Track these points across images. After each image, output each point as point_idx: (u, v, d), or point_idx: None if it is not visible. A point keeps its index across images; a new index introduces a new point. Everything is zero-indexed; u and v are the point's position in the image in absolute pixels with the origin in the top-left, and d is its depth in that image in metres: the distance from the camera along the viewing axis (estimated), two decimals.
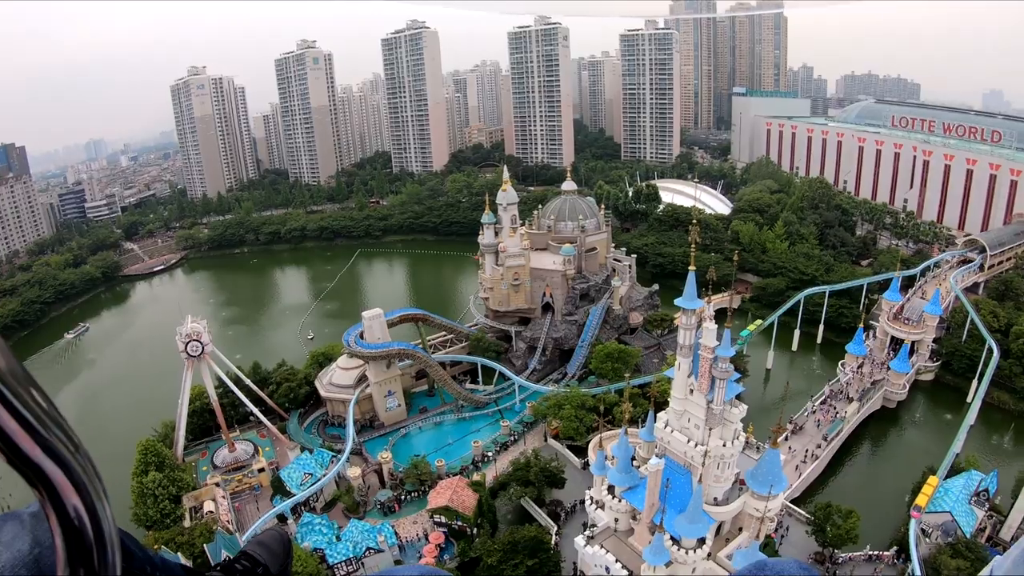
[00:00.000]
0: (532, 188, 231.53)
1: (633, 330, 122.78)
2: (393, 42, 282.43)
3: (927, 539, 74.68)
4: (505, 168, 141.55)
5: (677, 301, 61.63)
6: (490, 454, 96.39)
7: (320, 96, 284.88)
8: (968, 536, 73.81)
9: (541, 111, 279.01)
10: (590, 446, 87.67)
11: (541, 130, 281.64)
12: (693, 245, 62.45)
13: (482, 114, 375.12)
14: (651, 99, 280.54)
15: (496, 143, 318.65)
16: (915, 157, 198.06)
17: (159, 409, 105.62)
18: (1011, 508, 77.66)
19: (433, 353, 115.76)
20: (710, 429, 60.33)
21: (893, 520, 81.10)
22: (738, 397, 63.60)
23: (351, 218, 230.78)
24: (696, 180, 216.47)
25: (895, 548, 74.85)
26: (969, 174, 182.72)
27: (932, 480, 79.89)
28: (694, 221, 68.30)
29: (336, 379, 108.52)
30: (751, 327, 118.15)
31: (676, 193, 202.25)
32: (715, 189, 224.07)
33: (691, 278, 60.37)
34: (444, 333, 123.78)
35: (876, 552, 74.80)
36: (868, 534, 76.30)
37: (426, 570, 3.63)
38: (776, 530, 75.99)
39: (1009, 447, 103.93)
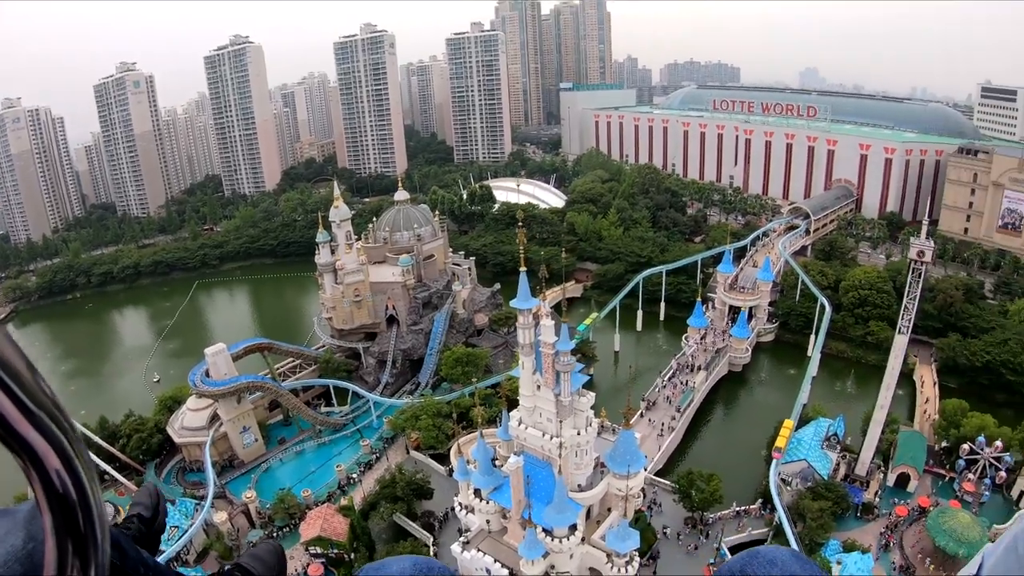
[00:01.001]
0: (367, 200, 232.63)
1: (480, 331, 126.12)
2: (216, 59, 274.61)
3: (788, 487, 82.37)
4: (336, 184, 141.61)
5: (512, 303, 64.36)
6: (355, 476, 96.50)
7: (143, 122, 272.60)
8: (826, 478, 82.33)
9: (371, 120, 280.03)
10: (451, 453, 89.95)
11: (372, 140, 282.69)
12: (522, 247, 65.46)
13: (312, 127, 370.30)
14: (480, 100, 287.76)
15: (328, 156, 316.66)
16: (737, 136, 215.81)
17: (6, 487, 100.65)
18: (861, 446, 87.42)
19: (283, 380, 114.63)
20: (561, 421, 63.00)
21: (755, 475, 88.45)
22: (588, 384, 68.44)
23: (185, 249, 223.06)
24: (520, 176, 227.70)
25: (760, 500, 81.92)
26: (789, 148, 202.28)
27: (787, 423, 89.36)
28: (520, 224, 72.42)
29: (187, 422, 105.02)
30: (588, 321, 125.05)
31: (510, 191, 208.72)
32: (548, 183, 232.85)
33: (523, 279, 62.93)
34: (292, 359, 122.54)
35: (743, 507, 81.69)
36: (734, 492, 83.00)
37: (417, 560, 3.88)
38: (648, 504, 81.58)
39: (852, 391, 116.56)
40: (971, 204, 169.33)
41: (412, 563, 3.78)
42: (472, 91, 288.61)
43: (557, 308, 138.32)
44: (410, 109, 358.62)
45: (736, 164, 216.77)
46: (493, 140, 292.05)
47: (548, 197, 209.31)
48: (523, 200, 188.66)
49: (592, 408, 65.99)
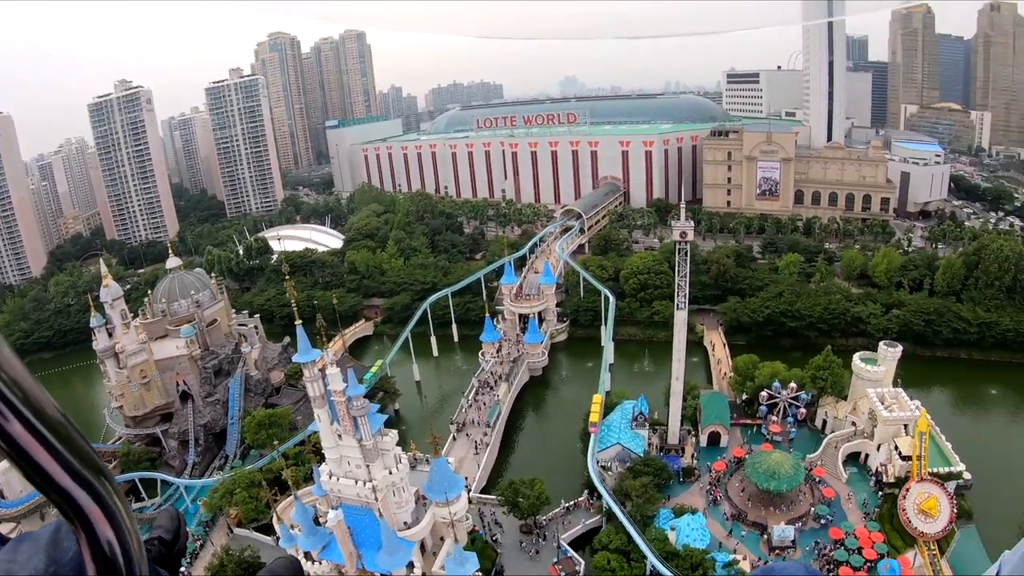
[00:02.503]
0: (142, 271, 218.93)
1: (278, 389, 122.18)
2: None
3: (609, 472, 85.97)
4: (102, 261, 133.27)
5: (295, 358, 64.31)
6: (183, 570, 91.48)
7: None
8: (642, 455, 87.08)
9: (136, 184, 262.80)
10: (273, 521, 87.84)
11: (139, 205, 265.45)
12: (293, 300, 65.94)
13: (75, 199, 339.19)
14: (247, 149, 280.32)
15: (96, 229, 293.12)
16: (504, 151, 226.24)
17: None
18: (667, 418, 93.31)
19: None
20: (369, 465, 63.44)
21: (576, 468, 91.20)
22: (393, 419, 68.54)
23: None
24: (296, 221, 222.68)
25: (586, 491, 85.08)
26: (554, 155, 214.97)
27: (596, 398, 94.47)
28: (286, 276, 73.57)
29: None
30: (373, 369, 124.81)
31: (288, 239, 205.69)
32: (325, 224, 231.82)
33: (300, 332, 62.91)
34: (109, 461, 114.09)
35: (572, 502, 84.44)
36: (561, 489, 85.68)
37: None
38: (490, 522, 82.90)
39: (650, 369, 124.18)
40: (730, 179, 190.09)
41: None
42: (237, 140, 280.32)
43: (354, 350, 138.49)
44: (176, 167, 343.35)
45: (506, 178, 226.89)
46: (264, 188, 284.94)
47: (326, 239, 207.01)
48: (300, 246, 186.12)
49: (400, 443, 66.90)
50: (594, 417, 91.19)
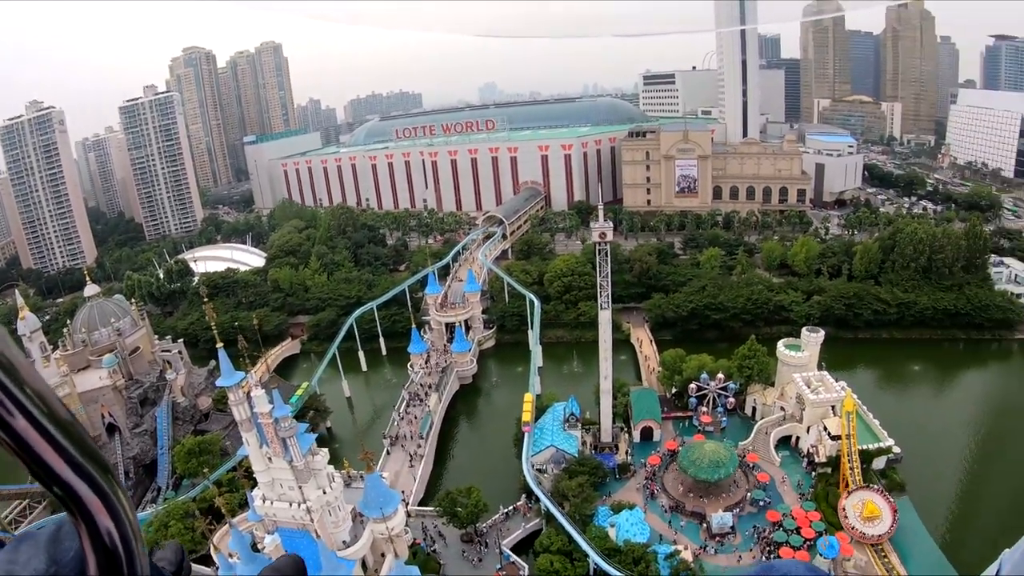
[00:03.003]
0: (60, 300, 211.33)
1: (207, 415, 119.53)
2: None
3: (546, 475, 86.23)
4: (18, 292, 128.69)
5: (218, 382, 63.40)
6: None
7: None
8: (576, 455, 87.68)
9: (50, 210, 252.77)
10: (211, 551, 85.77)
11: (55, 231, 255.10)
12: (213, 323, 65.17)
13: None
14: (163, 168, 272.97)
15: (10, 258, 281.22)
16: (423, 160, 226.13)
17: None
18: (599, 416, 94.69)
19: (15, 529, 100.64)
20: (302, 486, 62.74)
21: (513, 473, 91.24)
22: (325, 437, 67.59)
23: None
24: (217, 241, 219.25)
25: (524, 495, 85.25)
26: (474, 162, 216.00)
27: (527, 397, 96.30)
28: (205, 300, 73.27)
29: None
30: (299, 392, 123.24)
31: (209, 260, 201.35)
32: (246, 243, 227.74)
33: (222, 356, 61.75)
34: (18, 501, 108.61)
35: (511, 507, 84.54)
36: (499, 495, 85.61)
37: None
38: (434, 535, 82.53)
39: (579, 370, 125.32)
40: (648, 179, 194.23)
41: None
42: (153, 160, 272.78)
43: (282, 370, 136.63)
44: (92, 190, 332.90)
45: (427, 187, 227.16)
46: (183, 209, 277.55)
47: (248, 258, 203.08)
48: (222, 266, 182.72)
49: (333, 461, 66.81)
50: (526, 416, 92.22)
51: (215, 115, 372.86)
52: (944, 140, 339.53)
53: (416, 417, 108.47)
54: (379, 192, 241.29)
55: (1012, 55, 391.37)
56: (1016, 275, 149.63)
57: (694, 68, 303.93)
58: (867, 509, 72.26)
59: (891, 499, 75.30)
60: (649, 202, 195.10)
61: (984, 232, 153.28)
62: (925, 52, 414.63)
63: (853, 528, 73.71)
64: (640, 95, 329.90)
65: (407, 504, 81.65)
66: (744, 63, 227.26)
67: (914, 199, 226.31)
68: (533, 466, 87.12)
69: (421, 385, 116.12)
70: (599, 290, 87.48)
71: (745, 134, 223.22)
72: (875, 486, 77.16)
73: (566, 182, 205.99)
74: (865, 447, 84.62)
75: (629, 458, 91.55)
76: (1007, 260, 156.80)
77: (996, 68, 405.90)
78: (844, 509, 73.83)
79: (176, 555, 3.85)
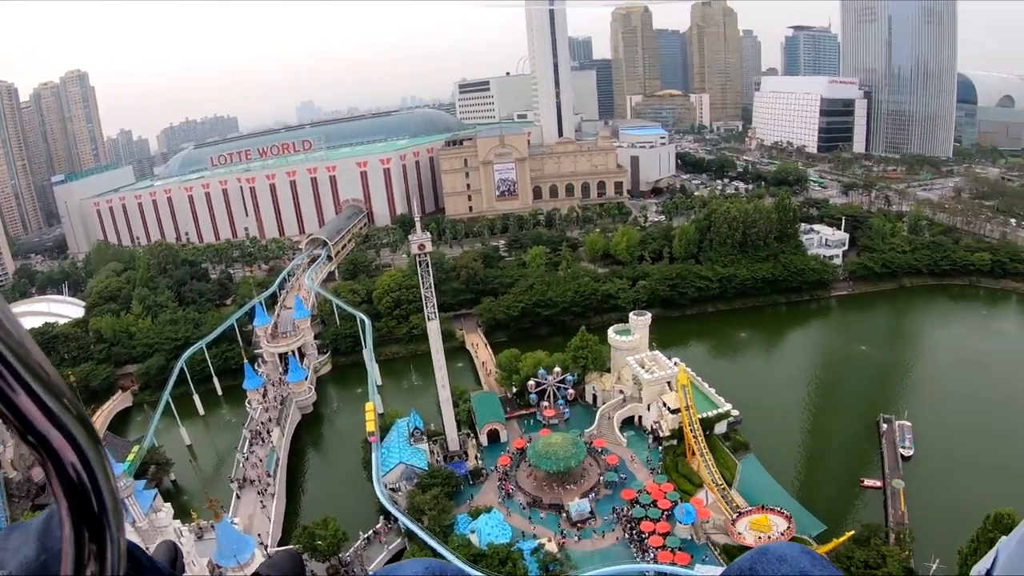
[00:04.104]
0: None
1: (44, 488, 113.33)
2: None
3: (399, 493, 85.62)
4: None
5: None
6: None
7: None
8: (426, 468, 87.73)
9: None
10: None
11: None
12: None
13: None
14: None
15: None
16: (241, 187, 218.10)
17: None
18: (444, 427, 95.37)
19: None
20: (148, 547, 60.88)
21: (367, 497, 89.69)
22: (169, 493, 64.88)
23: None
24: (32, 294, 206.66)
25: (382, 516, 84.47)
26: (293, 185, 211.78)
27: (368, 406, 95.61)
28: None
29: None
30: (130, 457, 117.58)
31: (26, 315, 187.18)
32: (63, 293, 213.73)
33: None
34: None
35: (371, 531, 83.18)
36: (358, 521, 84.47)
37: (431, 563, 3.95)
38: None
39: (419, 383, 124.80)
40: (469, 185, 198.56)
41: (425, 566, 3.85)
42: None
43: (116, 426, 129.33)
44: None
45: (247, 215, 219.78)
46: None
47: (66, 309, 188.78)
48: (39, 321, 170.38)
49: (183, 515, 66.32)
50: (370, 427, 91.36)
51: (20, 155, 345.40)
52: (751, 124, 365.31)
53: (260, 460, 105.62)
54: (198, 225, 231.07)
55: (809, 43, 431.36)
56: (826, 239, 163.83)
57: (508, 74, 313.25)
58: (758, 525, 74.03)
59: (783, 511, 76.57)
60: (471, 208, 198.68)
61: (792, 204, 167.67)
62: (729, 45, 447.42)
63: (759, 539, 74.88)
64: (457, 104, 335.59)
65: (266, 546, 79.15)
66: (556, 66, 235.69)
67: (726, 181, 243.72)
68: (385, 486, 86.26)
69: (262, 422, 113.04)
70: (425, 302, 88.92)
71: (561, 134, 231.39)
72: (750, 507, 77.96)
73: (387, 197, 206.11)
74: (705, 415, 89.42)
75: (480, 462, 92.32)
76: (816, 227, 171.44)
77: (795, 55, 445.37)
78: (740, 534, 74.81)
79: (169, 553, 3.88)
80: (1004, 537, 3.23)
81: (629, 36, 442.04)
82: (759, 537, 71.01)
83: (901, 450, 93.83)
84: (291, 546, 77.14)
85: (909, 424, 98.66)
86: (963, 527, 68.34)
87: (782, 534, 71.19)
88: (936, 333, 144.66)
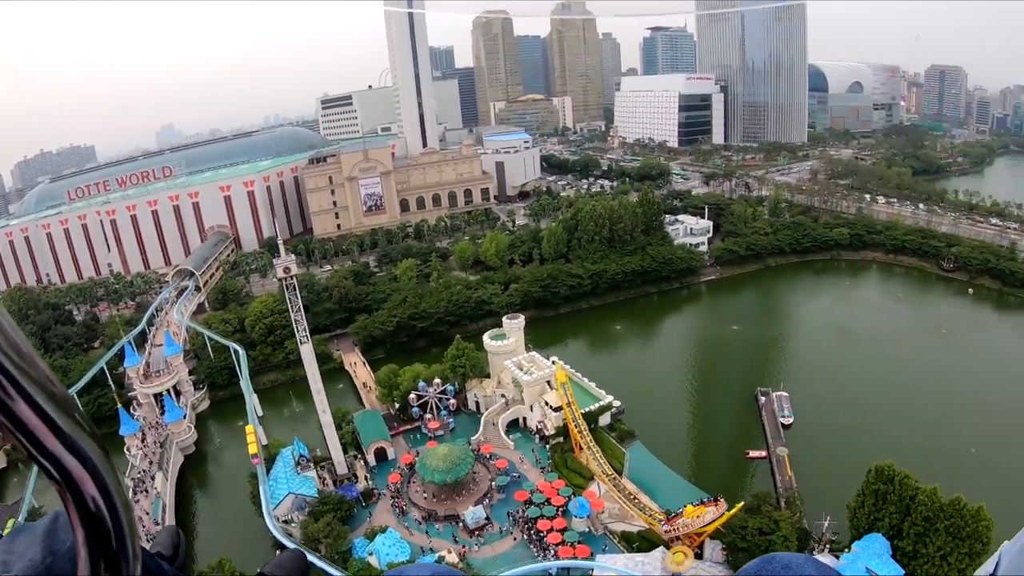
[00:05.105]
0: None
1: None
2: None
3: (293, 524, 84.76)
4: None
5: None
6: None
7: None
8: (316, 496, 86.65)
9: None
10: None
11: None
12: None
13: None
14: None
15: None
16: (102, 221, 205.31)
17: None
18: (328, 450, 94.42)
19: None
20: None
21: (261, 532, 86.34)
22: None
23: None
24: None
25: (277, 551, 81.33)
26: (155, 214, 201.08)
27: (249, 428, 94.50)
28: None
29: None
30: (9, 522, 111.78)
31: None
32: None
33: None
34: None
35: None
36: (254, 559, 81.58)
37: (440, 569, 3.94)
38: None
39: (300, 409, 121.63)
40: (335, 203, 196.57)
41: (432, 571, 3.83)
42: None
43: None
44: None
45: (110, 250, 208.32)
46: None
47: None
48: None
49: None
50: (252, 449, 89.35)
51: None
52: (613, 124, 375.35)
53: (146, 511, 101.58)
54: (59, 264, 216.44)
55: (666, 43, 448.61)
56: (691, 228, 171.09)
57: (370, 87, 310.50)
58: (676, 559, 71.51)
59: (711, 499, 75.66)
60: (339, 226, 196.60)
61: (656, 198, 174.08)
62: (589, 48, 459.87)
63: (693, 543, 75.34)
64: (320, 120, 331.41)
65: None
66: (417, 76, 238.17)
67: (591, 180, 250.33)
68: (277, 519, 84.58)
69: (143, 469, 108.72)
70: (296, 326, 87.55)
71: (425, 144, 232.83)
72: (679, 510, 75.77)
73: (253, 220, 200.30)
74: (587, 409, 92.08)
75: (370, 483, 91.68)
76: (681, 217, 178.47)
77: (654, 55, 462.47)
78: (669, 531, 74.58)
79: (171, 539, 3.94)
80: (1007, 542, 3.31)
81: (490, 43, 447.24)
82: (684, 524, 72.50)
83: (781, 419, 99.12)
84: (297, 548, 75.28)
85: (786, 394, 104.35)
86: (848, 483, 73.37)
87: (713, 521, 72.53)
88: (804, 307, 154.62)
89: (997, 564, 3.10)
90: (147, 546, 3.22)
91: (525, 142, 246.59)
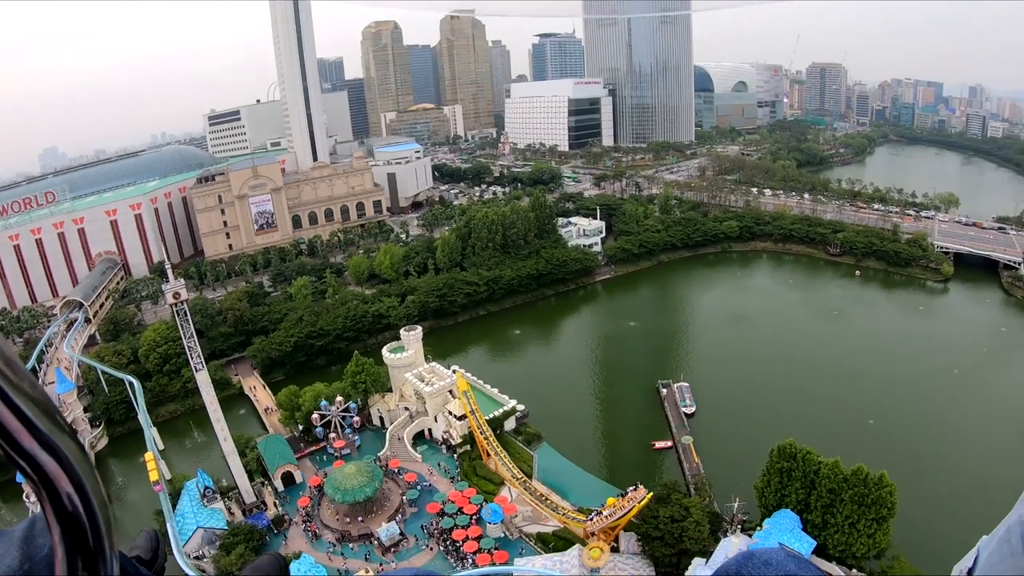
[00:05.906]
0: None
1: None
2: None
3: (205, 560, 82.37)
4: None
5: None
6: None
7: None
8: (226, 527, 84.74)
9: None
10: None
11: None
12: None
13: None
14: None
15: None
16: None
17: None
18: (234, 480, 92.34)
19: None
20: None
21: (174, 571, 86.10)
22: None
23: None
24: None
25: None
26: (39, 243, 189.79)
27: (148, 456, 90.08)
28: None
29: None
30: None
31: None
32: None
33: None
34: None
35: None
36: None
37: (423, 571, 3.92)
38: None
39: (202, 439, 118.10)
40: (225, 223, 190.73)
41: (413, 572, 3.76)
42: None
43: None
44: None
45: None
46: None
47: None
48: None
49: None
50: (153, 476, 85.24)
51: None
52: (504, 130, 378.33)
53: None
54: None
55: (555, 49, 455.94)
56: (584, 230, 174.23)
57: (258, 101, 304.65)
58: (593, 555, 72.35)
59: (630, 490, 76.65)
60: (231, 246, 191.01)
61: (548, 201, 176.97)
62: (479, 56, 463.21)
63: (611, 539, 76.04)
64: (208, 137, 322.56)
65: None
66: (306, 89, 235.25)
67: (484, 187, 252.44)
68: (188, 556, 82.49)
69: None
70: (189, 352, 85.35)
71: (316, 158, 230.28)
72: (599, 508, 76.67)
73: (142, 245, 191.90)
74: (491, 415, 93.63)
75: (280, 509, 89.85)
76: (574, 219, 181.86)
77: (543, 61, 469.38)
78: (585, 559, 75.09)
79: (150, 542, 3.98)
80: (985, 536, 3.36)
81: (380, 54, 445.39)
82: (608, 515, 73.18)
83: (684, 409, 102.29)
84: (276, 552, 72.51)
85: (687, 385, 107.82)
86: (753, 464, 76.68)
87: (627, 513, 73.15)
88: (699, 299, 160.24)
89: (976, 559, 3.24)
90: (125, 550, 3.51)
91: (416, 152, 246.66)
